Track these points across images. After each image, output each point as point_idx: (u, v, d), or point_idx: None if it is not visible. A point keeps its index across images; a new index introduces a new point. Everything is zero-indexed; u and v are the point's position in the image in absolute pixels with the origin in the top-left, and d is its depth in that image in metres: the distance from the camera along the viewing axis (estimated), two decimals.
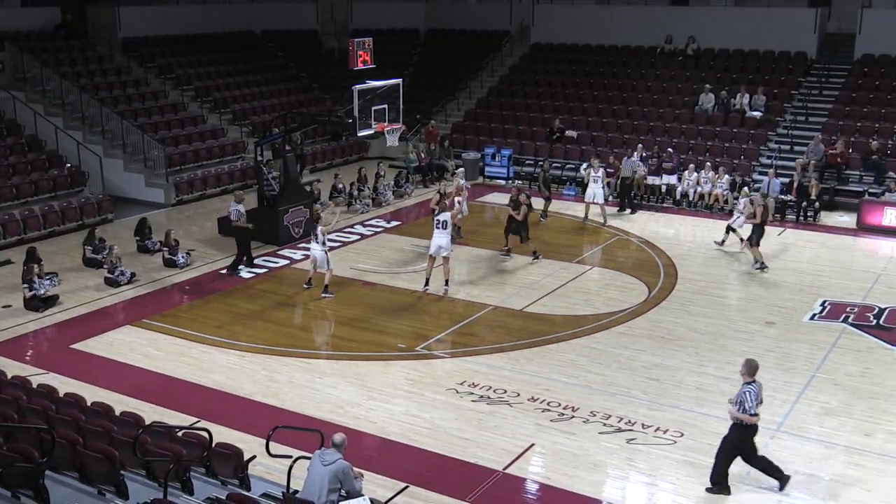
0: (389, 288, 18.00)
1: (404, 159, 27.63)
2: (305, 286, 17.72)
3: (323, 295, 17.28)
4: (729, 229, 20.27)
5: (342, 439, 8.73)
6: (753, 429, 10.38)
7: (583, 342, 15.10)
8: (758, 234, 18.83)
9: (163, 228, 20.52)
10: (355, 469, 8.88)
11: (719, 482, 10.58)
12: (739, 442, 10.44)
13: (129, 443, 9.11)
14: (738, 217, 20.15)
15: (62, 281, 17.73)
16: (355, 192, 24.33)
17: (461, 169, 22.03)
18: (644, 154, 24.81)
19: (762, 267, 18.75)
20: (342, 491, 8.51)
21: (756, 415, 10.20)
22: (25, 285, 16.58)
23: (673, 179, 24.63)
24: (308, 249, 18.37)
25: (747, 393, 10.17)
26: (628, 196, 23.88)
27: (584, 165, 23.22)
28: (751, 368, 10.30)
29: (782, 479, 10.61)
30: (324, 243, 17.25)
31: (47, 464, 8.58)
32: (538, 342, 15.14)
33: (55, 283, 17.16)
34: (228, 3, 33.81)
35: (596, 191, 22.20)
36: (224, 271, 18.82)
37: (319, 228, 17.22)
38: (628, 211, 23.67)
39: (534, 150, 28.01)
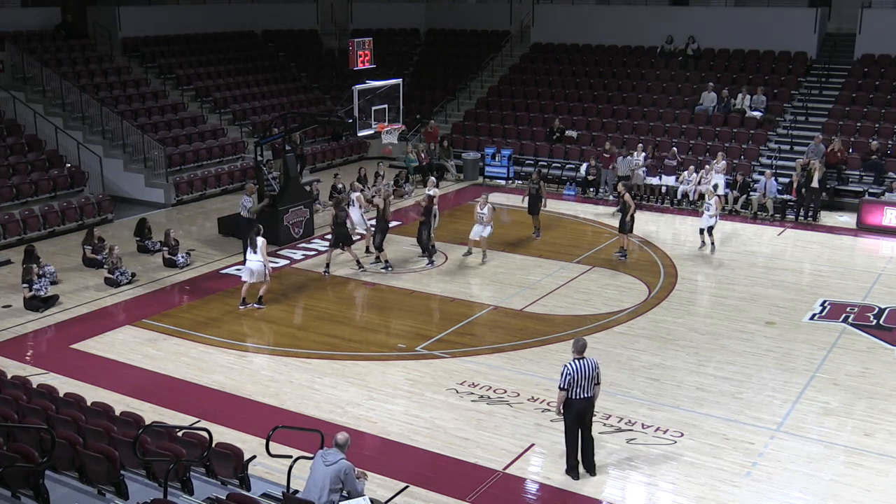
0: (389, 288, 18.00)
1: (404, 159, 27.63)
2: (257, 306, 16.72)
3: (256, 306, 16.62)
4: (702, 231, 20.35)
5: (345, 439, 8.70)
6: (573, 406, 10.57)
7: None
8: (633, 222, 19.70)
9: (163, 228, 20.51)
10: (358, 469, 8.87)
11: (570, 466, 10.91)
12: (565, 420, 10.77)
13: (129, 443, 9.11)
14: (711, 218, 20.14)
15: (62, 281, 17.73)
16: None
17: (432, 180, 21.32)
18: (644, 154, 24.79)
19: (624, 255, 19.62)
20: (344, 491, 8.50)
21: (564, 389, 10.46)
22: (25, 285, 16.57)
23: (672, 180, 24.59)
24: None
25: (563, 367, 10.52)
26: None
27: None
28: (578, 346, 10.58)
29: (588, 468, 10.91)
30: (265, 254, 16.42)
31: (47, 464, 8.58)
32: (538, 342, 15.15)
33: (54, 276, 17.10)
34: (228, 3, 33.81)
35: (483, 233, 19.18)
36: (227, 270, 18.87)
37: (261, 240, 16.36)
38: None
39: (534, 150, 28.02)
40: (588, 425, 10.84)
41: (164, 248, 19.36)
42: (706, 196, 21.02)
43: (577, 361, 10.50)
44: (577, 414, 10.65)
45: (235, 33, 33.33)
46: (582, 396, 10.54)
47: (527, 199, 21.25)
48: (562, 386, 10.52)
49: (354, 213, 19.93)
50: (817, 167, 22.59)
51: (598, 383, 10.70)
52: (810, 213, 22.81)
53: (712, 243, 20.25)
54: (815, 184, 22.48)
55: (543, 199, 21.27)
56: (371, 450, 11.54)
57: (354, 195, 20.29)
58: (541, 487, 10.82)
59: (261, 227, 16.97)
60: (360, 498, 8.52)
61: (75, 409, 10.52)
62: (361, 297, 17.73)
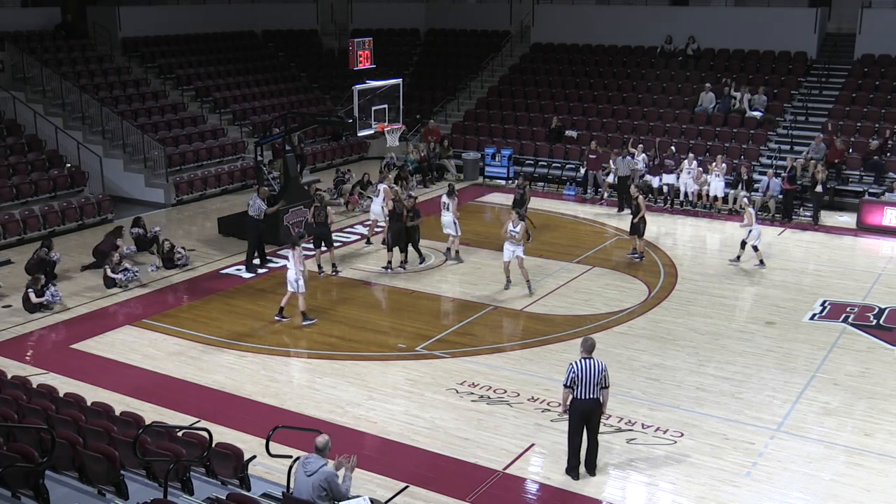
0: (390, 288, 18.00)
1: (405, 159, 27.62)
2: (277, 318, 16.04)
3: (304, 323, 15.84)
4: (743, 244, 19.23)
5: (325, 442, 8.44)
6: (578, 407, 10.51)
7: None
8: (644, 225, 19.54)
9: (161, 228, 20.57)
10: (342, 456, 8.63)
11: (570, 465, 10.88)
12: (570, 419, 10.76)
13: (129, 443, 9.11)
14: (750, 230, 18.91)
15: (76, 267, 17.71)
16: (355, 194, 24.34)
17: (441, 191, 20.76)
18: (644, 154, 24.76)
19: (641, 257, 19.53)
20: (332, 498, 8.29)
21: (568, 387, 10.45)
22: (31, 289, 16.38)
23: (672, 179, 24.51)
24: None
25: (569, 365, 10.53)
26: (626, 195, 23.64)
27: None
28: (586, 345, 10.59)
29: (588, 469, 10.91)
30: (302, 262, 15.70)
31: (47, 464, 8.58)
32: (538, 342, 15.15)
33: (59, 298, 16.85)
34: (228, 3, 33.81)
35: (519, 252, 17.42)
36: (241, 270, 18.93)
37: (296, 251, 15.63)
38: (626, 210, 23.49)
39: (534, 150, 28.02)
40: (594, 428, 10.79)
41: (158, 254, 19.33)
42: (743, 204, 20.17)
43: (583, 360, 10.47)
44: (582, 415, 10.62)
45: (235, 33, 33.32)
46: (587, 397, 10.49)
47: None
48: (566, 383, 10.50)
49: (376, 203, 20.19)
50: (820, 170, 22.57)
51: (606, 387, 10.58)
52: (811, 215, 22.80)
53: (738, 257, 19.21)
54: (818, 188, 22.43)
55: (527, 203, 20.77)
56: (371, 450, 11.53)
57: (381, 186, 20.33)
58: (541, 487, 10.81)
59: (303, 233, 16.56)
60: (360, 498, 8.46)
61: (75, 409, 10.52)
62: (361, 298, 17.71)
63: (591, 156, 25.29)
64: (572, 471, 10.88)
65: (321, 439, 8.50)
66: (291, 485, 9.16)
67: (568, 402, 10.61)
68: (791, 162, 23.07)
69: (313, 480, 8.23)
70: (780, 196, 23.04)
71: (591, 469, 10.92)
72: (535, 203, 24.20)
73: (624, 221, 22.63)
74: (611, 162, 24.55)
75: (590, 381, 10.42)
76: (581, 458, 10.91)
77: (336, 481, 8.29)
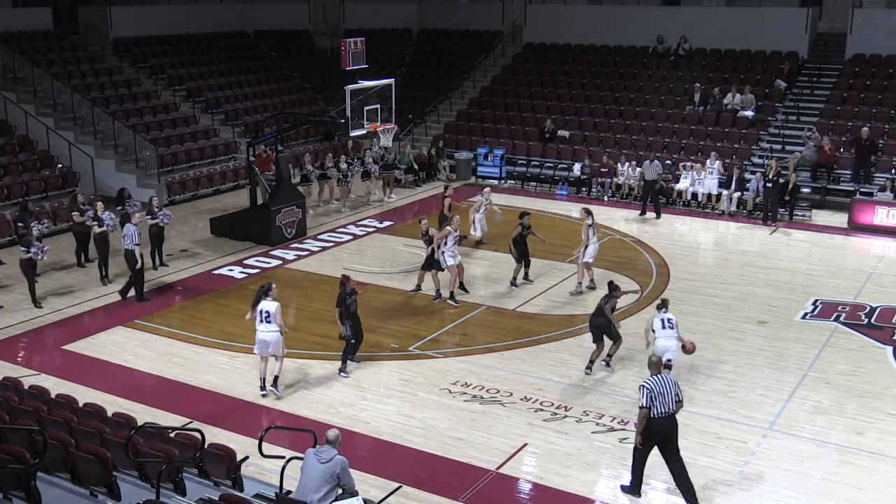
0: (382, 288, 17.99)
1: (399, 159, 27.62)
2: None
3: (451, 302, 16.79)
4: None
5: (336, 435, 8.72)
6: (652, 425, 10.01)
7: (575, 342, 15.11)
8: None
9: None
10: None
11: (633, 483, 10.48)
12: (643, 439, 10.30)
13: (121, 444, 9.07)
14: None
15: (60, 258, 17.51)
16: (343, 166, 24.33)
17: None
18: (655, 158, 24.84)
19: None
20: (339, 489, 8.52)
21: (646, 408, 9.93)
22: (24, 248, 16.39)
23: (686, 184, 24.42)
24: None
25: (641, 386, 10.06)
26: (654, 199, 23.35)
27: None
28: (655, 364, 10.25)
29: (689, 499, 10.21)
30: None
31: (39, 465, 8.54)
32: (531, 342, 15.16)
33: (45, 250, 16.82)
34: (220, 3, 33.75)
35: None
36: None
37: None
38: (653, 215, 23.26)
39: (526, 150, 28.04)
40: (675, 448, 10.15)
41: (148, 216, 18.93)
42: None
43: (656, 377, 10.00)
44: (659, 433, 10.01)
45: (227, 33, 33.26)
46: (664, 413, 9.95)
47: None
48: (643, 405, 9.90)
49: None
50: (773, 166, 22.64)
51: (680, 401, 10.15)
52: (798, 213, 22.96)
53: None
54: (769, 184, 22.49)
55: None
56: (364, 450, 11.53)
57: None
58: (534, 487, 10.82)
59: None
60: (354, 498, 8.53)
61: (67, 411, 10.49)
62: None
63: (602, 169, 25.38)
64: (634, 490, 10.39)
65: (332, 433, 8.76)
66: (285, 484, 9.17)
67: (643, 426, 10.01)
68: (773, 163, 23.10)
69: (327, 468, 8.46)
70: (757, 195, 23.07)
71: (693, 499, 10.12)
72: (528, 203, 24.25)
73: (646, 225, 22.64)
74: (623, 166, 24.72)
75: (666, 396, 9.93)
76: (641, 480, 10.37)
77: (349, 470, 8.59)
